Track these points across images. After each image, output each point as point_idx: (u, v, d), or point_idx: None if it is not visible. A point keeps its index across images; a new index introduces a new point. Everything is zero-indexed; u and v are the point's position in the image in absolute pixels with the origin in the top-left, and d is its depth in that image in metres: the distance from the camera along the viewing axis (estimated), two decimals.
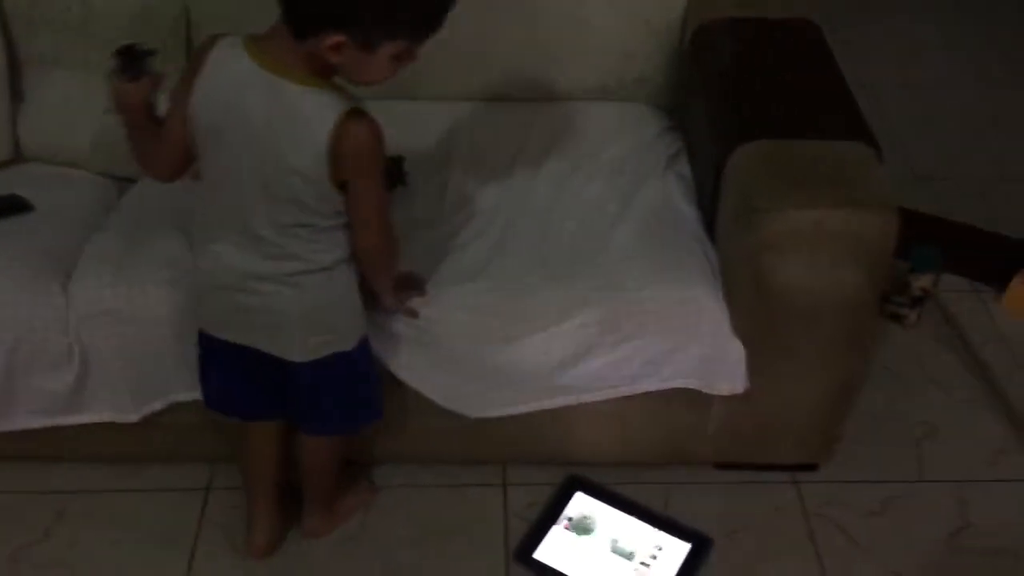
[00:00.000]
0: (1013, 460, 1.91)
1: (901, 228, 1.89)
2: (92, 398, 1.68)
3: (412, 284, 1.59)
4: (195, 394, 1.64)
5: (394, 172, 1.80)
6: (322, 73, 1.27)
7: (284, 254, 1.37)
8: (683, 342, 1.61)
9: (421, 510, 1.79)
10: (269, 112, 1.27)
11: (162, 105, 1.41)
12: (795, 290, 1.53)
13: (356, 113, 1.28)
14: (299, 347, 1.46)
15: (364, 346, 1.52)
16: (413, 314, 1.57)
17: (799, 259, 1.50)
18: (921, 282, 2.19)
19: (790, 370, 1.66)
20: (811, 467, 1.86)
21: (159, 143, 1.40)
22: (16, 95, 1.89)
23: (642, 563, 1.69)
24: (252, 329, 1.45)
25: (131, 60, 1.36)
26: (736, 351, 1.61)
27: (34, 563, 1.69)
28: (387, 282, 1.52)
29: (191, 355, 1.57)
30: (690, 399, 1.70)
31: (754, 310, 1.58)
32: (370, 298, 1.52)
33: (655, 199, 1.77)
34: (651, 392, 1.67)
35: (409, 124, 1.95)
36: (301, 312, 1.42)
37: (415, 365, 1.61)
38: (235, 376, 1.54)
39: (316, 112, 1.27)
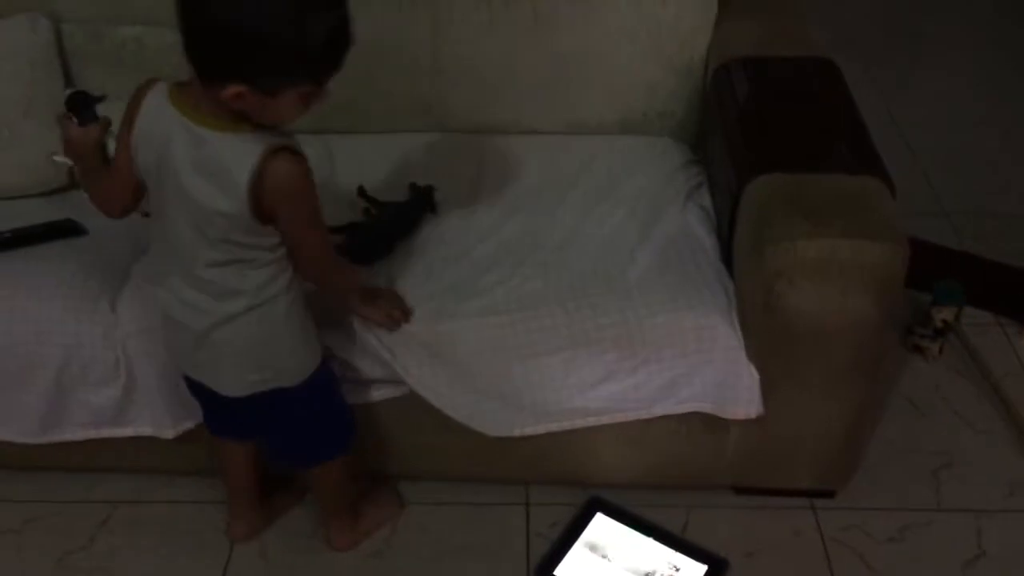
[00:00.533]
0: None
1: (924, 261, 1.94)
2: (135, 413, 1.76)
3: (387, 298, 1.64)
4: None
5: (425, 200, 1.88)
6: (240, 117, 1.29)
7: (226, 290, 1.41)
8: (698, 367, 1.66)
9: (444, 527, 1.84)
10: (192, 159, 1.31)
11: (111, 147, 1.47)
12: (806, 318, 1.58)
13: (276, 152, 1.29)
14: (236, 382, 1.50)
15: (315, 384, 1.54)
16: (395, 324, 1.62)
17: (810, 288, 1.55)
18: (943, 315, 2.22)
19: (804, 396, 1.70)
20: (829, 493, 1.89)
21: (111, 181, 1.45)
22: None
23: None
24: (195, 362, 1.52)
25: (81, 105, 1.41)
26: (750, 377, 1.66)
27: (78, 568, 1.77)
28: (349, 299, 1.59)
29: None
30: (708, 423, 1.75)
31: (767, 337, 1.63)
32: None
33: (675, 228, 1.84)
34: (669, 416, 1.72)
35: (438, 155, 2.06)
36: (237, 349, 1.46)
37: (435, 383, 1.68)
38: (200, 398, 1.61)
39: (235, 157, 1.29)
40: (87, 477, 1.91)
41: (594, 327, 1.64)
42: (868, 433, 1.99)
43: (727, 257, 1.78)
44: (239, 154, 1.29)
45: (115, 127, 1.43)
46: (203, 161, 1.31)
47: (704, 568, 1.76)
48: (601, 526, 1.83)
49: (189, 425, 1.76)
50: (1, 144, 1.92)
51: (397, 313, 1.63)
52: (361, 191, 1.88)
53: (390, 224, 1.81)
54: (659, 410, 1.70)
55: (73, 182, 1.99)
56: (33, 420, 1.76)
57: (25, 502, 1.88)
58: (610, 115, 2.13)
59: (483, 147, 2.10)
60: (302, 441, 1.63)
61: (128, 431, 1.78)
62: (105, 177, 1.46)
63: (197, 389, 1.58)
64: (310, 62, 1.24)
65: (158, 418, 1.77)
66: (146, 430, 1.78)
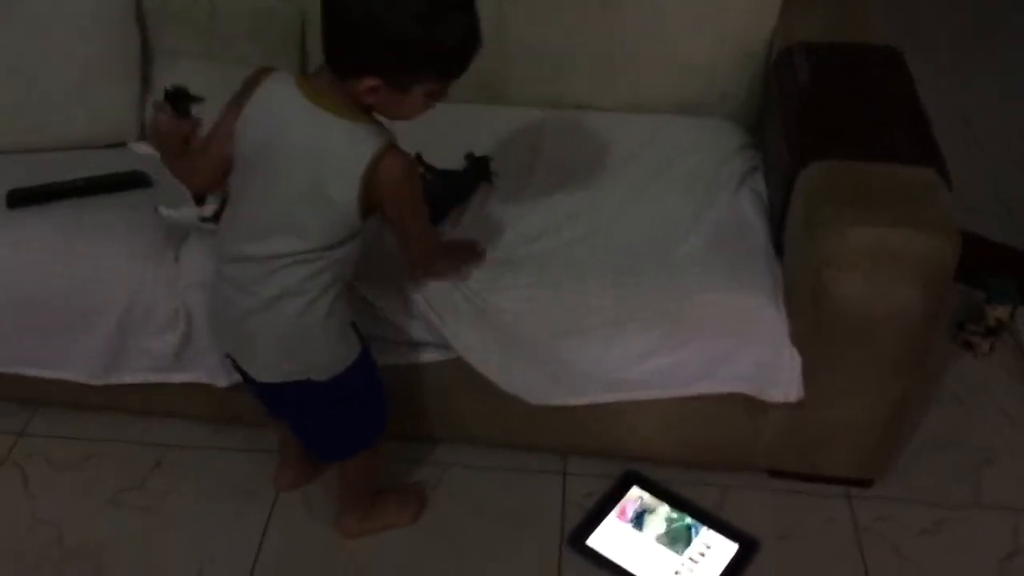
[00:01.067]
0: None
1: (981, 257, 1.91)
2: (192, 360, 1.83)
3: (468, 252, 1.71)
4: None
5: (482, 169, 1.91)
6: (363, 108, 1.36)
7: (273, 280, 1.44)
8: (742, 348, 1.67)
9: (481, 491, 1.89)
10: (310, 140, 1.37)
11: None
12: (852, 306, 1.59)
13: (391, 149, 1.37)
14: (268, 367, 1.53)
15: (347, 382, 1.55)
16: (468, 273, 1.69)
17: (857, 276, 1.56)
18: (997, 313, 2.20)
19: (845, 384, 1.71)
20: (866, 483, 1.90)
21: (199, 160, 1.49)
22: (145, 82, 2.07)
23: (690, 559, 1.76)
24: (234, 341, 1.56)
25: (180, 100, 1.45)
26: (793, 360, 1.67)
27: (129, 505, 1.86)
28: (442, 271, 1.66)
29: None
30: (747, 405, 1.76)
31: (812, 323, 1.64)
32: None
33: (727, 211, 1.84)
34: (709, 395, 1.74)
35: (497, 127, 2.09)
36: (276, 336, 1.49)
37: (482, 349, 1.71)
38: (241, 373, 1.63)
39: (353, 144, 1.35)
40: (143, 420, 1.99)
41: (641, 303, 1.66)
42: (910, 425, 1.99)
43: (777, 242, 1.78)
44: (359, 143, 1.36)
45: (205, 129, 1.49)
46: (322, 141, 1.36)
47: (735, 547, 1.78)
48: (636, 498, 1.86)
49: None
50: (79, 96, 1.98)
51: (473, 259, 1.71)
52: (418, 157, 1.92)
53: (447, 190, 1.84)
54: (700, 388, 1.72)
55: (143, 136, 2.06)
56: (96, 361, 1.84)
57: (85, 439, 1.97)
58: (670, 95, 2.14)
59: (542, 121, 2.12)
60: (326, 435, 1.66)
61: (185, 377, 1.85)
62: (186, 162, 1.51)
63: (237, 366, 1.61)
64: (442, 62, 1.33)
65: (213, 367, 1.83)
66: (201, 377, 1.85)
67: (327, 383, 1.53)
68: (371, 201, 1.39)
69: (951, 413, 2.07)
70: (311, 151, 1.37)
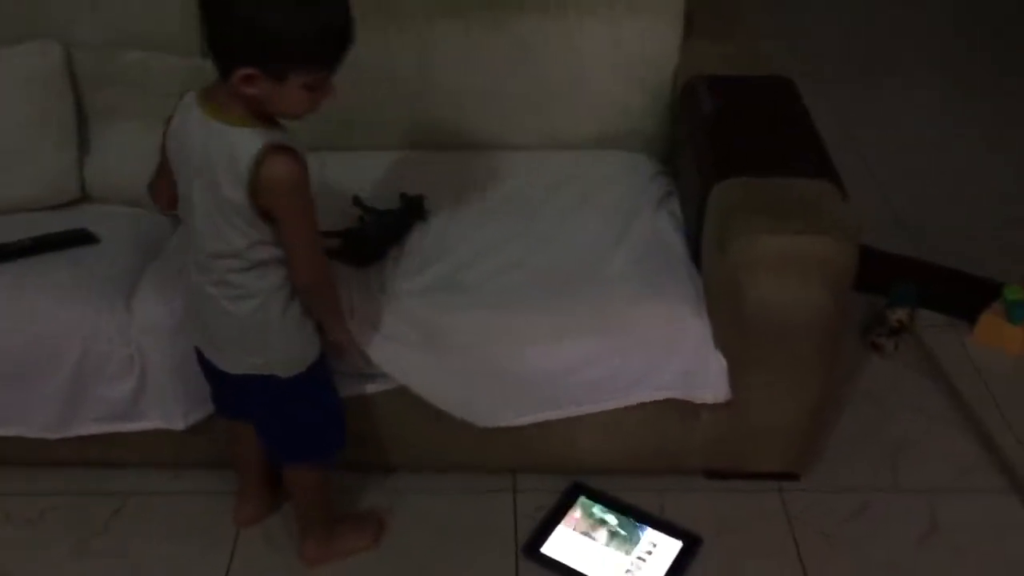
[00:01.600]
0: (980, 475, 2.08)
1: (880, 268, 2.08)
2: (147, 407, 1.88)
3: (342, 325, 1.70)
4: None
5: (416, 208, 2.03)
6: (256, 116, 1.43)
7: (223, 280, 1.53)
8: (671, 355, 1.81)
9: (437, 513, 1.97)
10: (204, 149, 1.44)
11: None
12: (768, 307, 1.74)
13: (277, 148, 1.42)
14: (234, 361, 1.62)
15: (308, 380, 1.63)
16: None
17: (770, 280, 1.71)
18: (898, 315, 2.39)
19: (768, 383, 1.85)
20: (794, 476, 2.04)
21: (159, 179, 1.60)
22: (83, 143, 2.14)
23: (638, 558, 1.87)
24: (203, 338, 1.66)
25: None
26: (718, 363, 1.81)
27: (94, 552, 1.89)
28: (331, 319, 1.65)
29: None
30: (680, 410, 1.89)
31: (733, 326, 1.78)
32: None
33: (647, 232, 1.99)
34: (644, 403, 1.86)
35: (427, 169, 2.21)
36: (236, 332, 1.58)
37: (423, 374, 1.81)
38: (208, 374, 1.73)
39: (242, 147, 1.41)
40: (100, 472, 2.02)
41: (574, 319, 1.79)
42: (830, 421, 2.15)
43: (695, 257, 1.93)
44: (246, 145, 1.41)
45: None
46: (217, 149, 1.43)
47: (680, 544, 1.90)
48: (584, 507, 1.97)
49: (199, 416, 1.88)
50: (18, 160, 2.04)
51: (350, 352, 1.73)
52: (356, 200, 2.03)
53: (384, 229, 1.95)
54: (636, 397, 1.84)
55: (85, 196, 2.12)
56: (51, 415, 1.88)
57: (41, 495, 1.99)
58: (587, 132, 2.29)
59: (468, 162, 2.25)
60: (285, 433, 1.72)
61: (141, 425, 1.90)
62: (156, 177, 1.62)
63: (206, 364, 1.69)
64: (311, 49, 1.38)
65: (169, 411, 1.89)
66: (158, 423, 1.90)
67: (290, 381, 1.61)
68: (261, 201, 1.44)
69: (866, 409, 2.23)
70: (207, 159, 1.44)
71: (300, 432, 1.72)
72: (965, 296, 2.52)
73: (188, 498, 1.99)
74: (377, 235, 1.93)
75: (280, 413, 1.69)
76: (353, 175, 2.18)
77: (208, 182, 1.46)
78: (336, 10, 1.40)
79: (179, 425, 1.90)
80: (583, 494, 2.00)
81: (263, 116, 1.44)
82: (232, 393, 1.71)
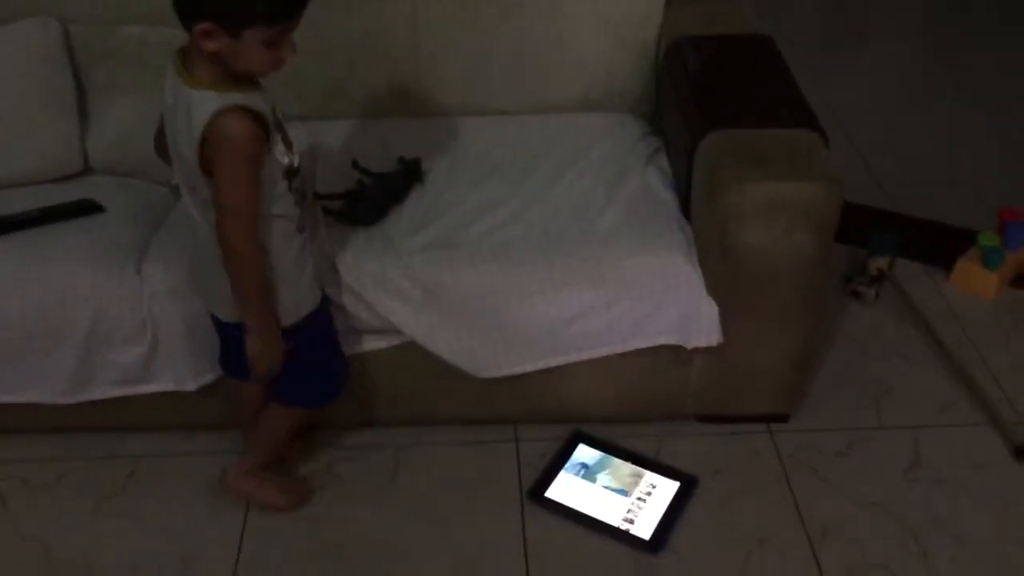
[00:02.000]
0: (960, 410, 2.17)
1: (859, 220, 2.14)
2: (159, 370, 1.94)
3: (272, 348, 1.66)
4: None
5: (413, 170, 2.09)
6: (224, 77, 1.46)
7: (208, 227, 1.58)
8: (665, 303, 1.88)
9: (443, 463, 2.04)
10: (175, 109, 1.50)
11: None
12: (756, 253, 1.82)
13: (232, 108, 1.45)
14: (225, 308, 1.68)
15: (302, 332, 1.68)
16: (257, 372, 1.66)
17: (757, 226, 1.79)
18: (878, 263, 2.48)
19: (757, 326, 1.93)
20: (783, 418, 2.13)
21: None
22: (83, 117, 2.18)
23: (638, 499, 1.96)
24: (202, 286, 1.73)
25: None
26: (710, 309, 1.89)
27: (113, 513, 1.95)
28: (243, 299, 1.60)
29: None
30: (674, 356, 1.97)
31: (723, 273, 1.86)
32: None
33: (637, 187, 2.06)
34: (641, 350, 1.94)
35: (422, 135, 2.27)
36: (222, 280, 1.60)
37: (429, 328, 1.88)
38: (218, 332, 1.79)
39: (199, 107, 1.45)
40: (113, 436, 2.08)
41: (571, 269, 1.86)
42: (816, 365, 2.24)
43: (685, 210, 2.01)
44: (203, 107, 1.45)
45: None
46: (182, 109, 1.48)
47: (677, 484, 1.98)
48: (584, 453, 2.04)
49: (209, 378, 1.94)
50: (21, 134, 2.08)
51: (272, 363, 1.67)
52: (355, 163, 2.09)
53: (384, 191, 2.01)
54: (633, 344, 1.92)
55: (88, 168, 2.17)
56: (64, 381, 1.93)
57: (57, 460, 2.05)
58: (574, 94, 2.36)
59: (459, 127, 2.31)
60: (284, 376, 1.73)
61: (152, 387, 1.96)
62: (158, 132, 1.67)
63: (214, 319, 1.76)
64: (264, 4, 1.41)
65: (179, 374, 1.95)
66: (168, 386, 1.96)
67: (283, 330, 1.65)
68: (205, 156, 1.48)
69: (849, 353, 2.32)
70: (175, 118, 1.50)
71: (291, 379, 1.76)
72: (942, 244, 2.62)
73: (201, 459, 2.05)
74: (378, 196, 1.99)
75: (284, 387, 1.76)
76: (348, 142, 2.24)
77: (173, 137, 1.53)
78: None
79: (190, 387, 1.95)
80: (583, 441, 2.07)
81: (232, 76, 1.47)
82: (235, 349, 1.75)
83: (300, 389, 1.82)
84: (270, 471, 1.94)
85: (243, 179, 1.50)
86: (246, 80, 1.50)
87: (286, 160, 1.59)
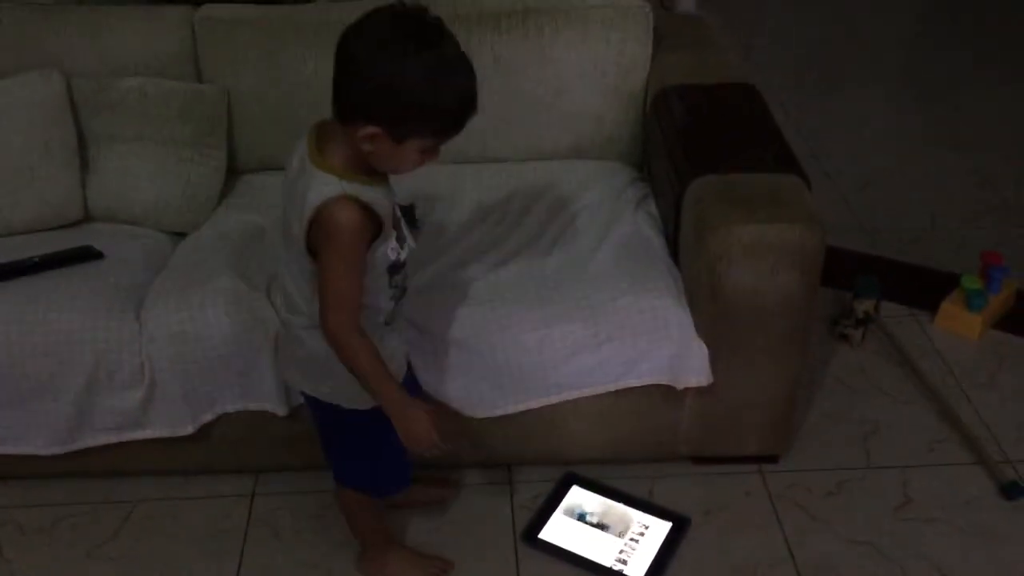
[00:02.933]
0: (947, 448, 2.20)
1: (844, 264, 2.18)
2: (155, 415, 1.96)
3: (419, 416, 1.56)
4: (239, 405, 1.96)
5: (407, 217, 2.13)
6: (353, 164, 1.45)
7: (293, 304, 1.59)
8: (655, 343, 1.92)
9: (437, 508, 2.05)
10: (296, 179, 1.48)
11: None
12: (743, 294, 1.86)
13: (347, 199, 1.42)
14: (303, 382, 1.69)
15: (371, 420, 1.59)
16: (418, 445, 1.56)
17: (744, 267, 1.83)
18: (864, 306, 2.52)
19: (745, 365, 1.97)
20: (773, 459, 2.16)
21: None
22: (84, 166, 2.22)
23: (631, 539, 1.97)
24: (283, 357, 1.76)
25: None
26: (700, 349, 1.93)
27: (107, 557, 1.95)
28: (366, 384, 1.53)
29: (237, 371, 1.91)
30: (666, 397, 2.00)
31: (712, 313, 1.90)
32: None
33: (627, 231, 2.11)
34: (632, 390, 1.97)
35: (414, 183, 2.28)
36: (306, 357, 1.61)
37: (423, 370, 1.90)
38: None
39: (317, 188, 1.43)
40: (109, 481, 2.10)
41: (563, 309, 1.90)
42: (804, 406, 2.27)
43: (674, 253, 2.06)
44: (324, 187, 1.43)
45: None
46: (302, 185, 1.46)
47: (669, 525, 2.00)
48: (577, 495, 2.06)
49: (207, 417, 1.96)
50: (24, 183, 2.13)
51: (425, 438, 1.56)
52: None
53: None
54: (624, 383, 1.95)
55: (88, 216, 2.21)
56: (61, 429, 1.95)
57: (52, 505, 2.06)
58: (565, 142, 2.42)
59: (452, 174, 2.35)
60: (340, 458, 1.77)
61: (148, 433, 1.97)
62: None
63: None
64: (441, 120, 1.42)
65: (176, 418, 1.96)
66: (164, 431, 1.98)
67: (352, 413, 1.63)
68: (312, 236, 1.46)
69: (837, 395, 2.36)
70: (293, 185, 1.49)
71: (354, 464, 1.76)
72: (926, 287, 2.67)
73: (196, 503, 2.07)
74: None
75: (339, 440, 1.75)
76: None
77: (288, 207, 1.52)
78: (467, 82, 1.42)
79: (188, 430, 1.97)
80: (576, 482, 2.09)
81: (361, 166, 1.46)
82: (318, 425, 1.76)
83: (349, 470, 1.77)
84: (393, 551, 1.90)
85: (348, 271, 1.47)
86: (375, 172, 1.48)
87: (393, 256, 1.56)
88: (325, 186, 1.44)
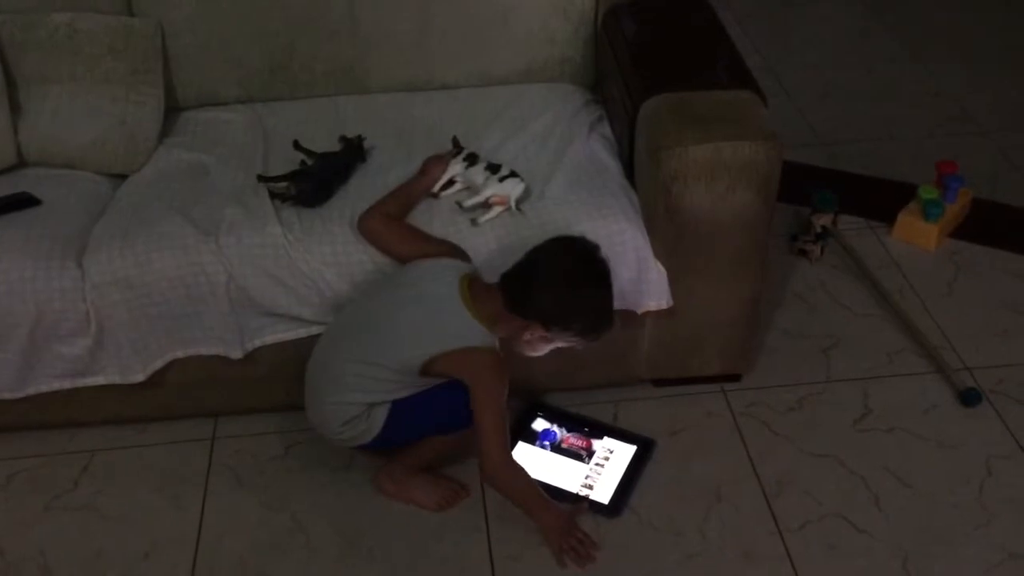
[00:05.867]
0: (906, 359, 2.22)
1: (801, 179, 2.16)
2: (106, 362, 1.92)
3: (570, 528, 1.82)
4: (190, 351, 1.92)
5: (356, 149, 2.07)
6: (493, 320, 1.74)
7: (354, 384, 1.76)
8: (613, 268, 1.87)
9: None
10: (431, 300, 1.74)
11: None
12: (700, 214, 1.83)
13: (494, 353, 1.75)
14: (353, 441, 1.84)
15: (403, 403, 1.79)
16: (579, 557, 1.80)
17: (700, 187, 1.80)
18: (822, 220, 2.52)
19: (705, 287, 1.95)
20: (735, 377, 2.16)
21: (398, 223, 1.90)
22: (15, 109, 2.12)
23: (597, 464, 1.98)
24: (312, 403, 1.86)
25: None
26: (659, 272, 1.91)
27: (67, 508, 1.92)
28: (529, 511, 1.81)
29: (186, 316, 1.87)
30: (626, 321, 1.98)
31: (669, 235, 1.88)
32: None
33: (582, 156, 2.07)
34: None
35: (364, 113, 2.25)
36: (361, 431, 1.80)
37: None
38: None
39: (468, 331, 1.73)
40: (63, 432, 2.05)
41: (520, 238, 1.86)
42: (765, 324, 2.27)
43: (629, 176, 2.02)
44: (474, 334, 1.74)
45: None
46: (443, 316, 1.74)
47: (634, 448, 2.00)
48: (541, 424, 2.06)
49: (158, 364, 1.92)
50: None
51: (582, 548, 1.80)
52: (296, 144, 2.07)
53: (329, 170, 1.99)
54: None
55: (22, 161, 2.12)
56: (10, 376, 1.90)
57: (8, 459, 2.01)
58: (516, 66, 2.35)
59: (401, 103, 2.30)
60: (430, 427, 1.87)
61: (100, 379, 1.93)
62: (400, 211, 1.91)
63: None
64: (587, 335, 1.77)
65: (126, 365, 1.92)
66: (115, 378, 1.93)
67: (388, 430, 1.81)
68: (434, 368, 1.73)
69: (797, 311, 2.36)
70: (425, 303, 1.76)
71: (419, 431, 1.87)
72: (883, 199, 2.66)
73: (155, 450, 2.04)
74: (323, 176, 1.98)
75: (420, 421, 1.82)
76: (289, 123, 2.22)
77: (405, 313, 1.75)
78: (612, 316, 1.78)
79: (138, 377, 1.93)
80: (540, 411, 2.09)
81: (494, 323, 1.75)
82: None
83: (431, 430, 1.86)
84: (420, 472, 1.93)
85: (503, 415, 1.75)
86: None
87: None
88: (477, 335, 1.74)
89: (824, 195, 2.53)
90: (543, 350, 1.81)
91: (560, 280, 1.73)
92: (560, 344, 1.79)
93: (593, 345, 1.79)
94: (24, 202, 1.98)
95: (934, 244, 2.52)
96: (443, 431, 1.85)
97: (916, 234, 2.53)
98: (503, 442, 1.76)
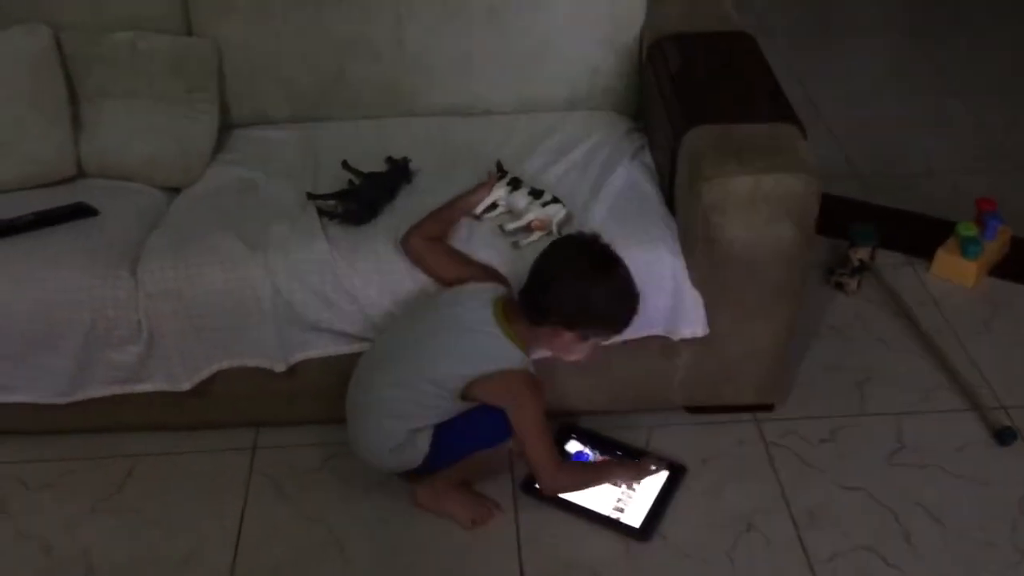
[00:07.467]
0: (941, 395, 2.22)
1: (840, 212, 2.16)
2: (154, 369, 1.97)
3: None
4: (235, 362, 1.97)
5: (402, 170, 2.12)
6: (526, 340, 1.80)
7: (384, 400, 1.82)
8: (651, 295, 1.91)
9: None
10: (474, 337, 1.78)
11: None
12: (738, 245, 1.86)
13: (530, 375, 1.80)
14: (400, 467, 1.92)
15: (441, 436, 1.84)
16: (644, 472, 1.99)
17: (739, 218, 1.83)
18: (859, 254, 2.53)
19: (741, 316, 1.97)
20: (769, 407, 2.18)
21: (440, 245, 1.95)
22: (76, 122, 2.20)
23: (629, 488, 2.00)
24: (355, 427, 1.91)
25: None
26: (695, 300, 1.94)
27: (111, 510, 1.98)
28: (613, 481, 1.97)
29: (233, 329, 1.93)
30: (662, 349, 2.01)
31: (707, 265, 1.91)
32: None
33: (623, 183, 2.10)
34: (629, 342, 1.98)
35: (410, 135, 2.30)
36: (408, 457, 1.86)
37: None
38: None
39: (503, 353, 1.78)
40: (111, 436, 2.11)
41: None
42: (800, 355, 2.29)
43: (669, 204, 2.05)
44: (510, 356, 1.79)
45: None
46: (477, 337, 1.79)
47: (666, 473, 2.02)
48: (575, 447, 2.08)
49: (204, 375, 1.98)
50: (13, 139, 2.11)
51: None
52: (345, 164, 2.12)
53: (376, 190, 2.05)
54: (622, 335, 1.95)
55: (81, 172, 2.19)
56: (62, 380, 1.96)
57: (55, 461, 2.08)
58: (559, 94, 2.40)
59: (445, 127, 2.35)
60: (469, 445, 1.89)
61: (147, 386, 1.99)
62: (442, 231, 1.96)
63: None
64: (616, 326, 1.82)
65: (173, 373, 1.98)
66: (162, 385, 1.99)
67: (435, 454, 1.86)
68: (472, 392, 1.79)
69: (832, 343, 2.37)
70: (458, 324, 1.80)
71: (464, 449, 1.89)
72: (922, 235, 2.67)
73: (196, 457, 2.09)
74: (370, 195, 2.03)
75: (441, 457, 1.86)
76: (337, 142, 2.28)
77: (440, 332, 1.81)
78: (636, 298, 1.80)
79: (184, 386, 1.99)
80: (573, 433, 2.11)
81: (528, 342, 1.81)
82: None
83: (472, 447, 1.89)
84: (456, 489, 1.96)
85: (545, 431, 1.82)
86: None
87: None
88: (512, 358, 1.80)
89: (863, 228, 2.55)
90: (583, 352, 1.84)
91: (567, 277, 1.75)
92: (595, 341, 1.83)
93: (623, 332, 1.83)
94: (82, 212, 2.05)
95: (973, 282, 2.53)
96: (487, 445, 1.88)
97: (955, 271, 2.54)
98: (552, 456, 1.85)
